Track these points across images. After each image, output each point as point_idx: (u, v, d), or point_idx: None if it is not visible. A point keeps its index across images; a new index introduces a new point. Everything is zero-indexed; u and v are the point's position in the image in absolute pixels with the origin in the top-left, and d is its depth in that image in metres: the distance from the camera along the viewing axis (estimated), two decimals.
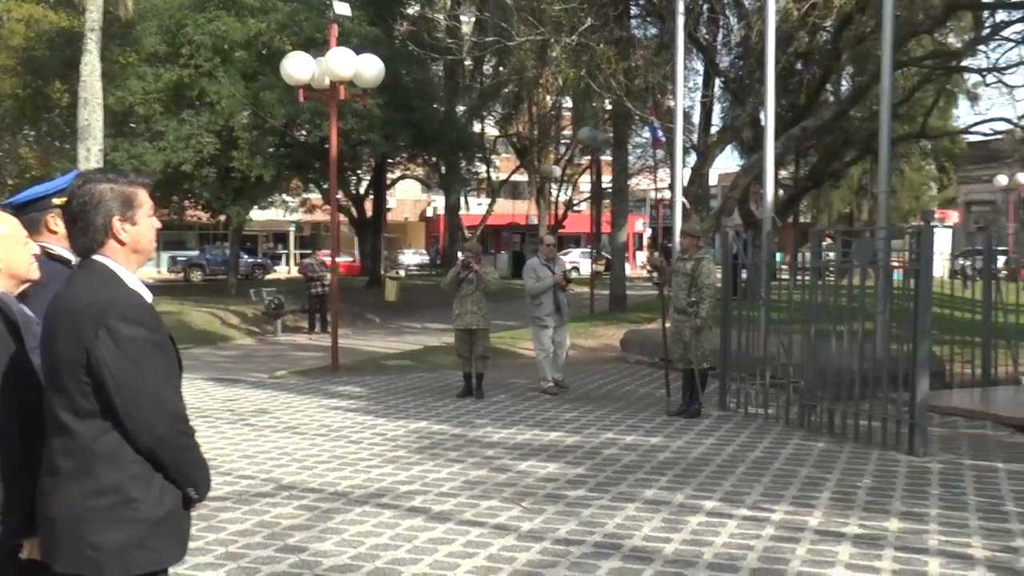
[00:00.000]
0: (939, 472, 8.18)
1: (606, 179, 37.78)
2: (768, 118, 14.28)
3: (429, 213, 64.62)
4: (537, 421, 10.59)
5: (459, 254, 20.72)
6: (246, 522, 6.67)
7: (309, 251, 44.75)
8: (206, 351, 19.09)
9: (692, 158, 25.41)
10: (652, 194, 47.49)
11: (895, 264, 10.23)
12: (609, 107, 28.59)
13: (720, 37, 27.69)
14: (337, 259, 17.12)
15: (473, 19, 36.55)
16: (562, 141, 46.55)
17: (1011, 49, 28.02)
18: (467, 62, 35.20)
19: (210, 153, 25.92)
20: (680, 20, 16.47)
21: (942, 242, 29.19)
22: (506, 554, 5.93)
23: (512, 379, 13.90)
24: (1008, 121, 30.61)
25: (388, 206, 46.57)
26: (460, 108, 37.71)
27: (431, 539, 6.27)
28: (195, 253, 52.32)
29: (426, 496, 7.36)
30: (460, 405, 11.66)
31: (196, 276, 47.64)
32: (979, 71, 27.62)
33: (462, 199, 47.73)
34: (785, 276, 12.28)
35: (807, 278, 10.38)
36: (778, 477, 7.98)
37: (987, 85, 29.19)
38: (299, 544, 6.17)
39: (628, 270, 32.79)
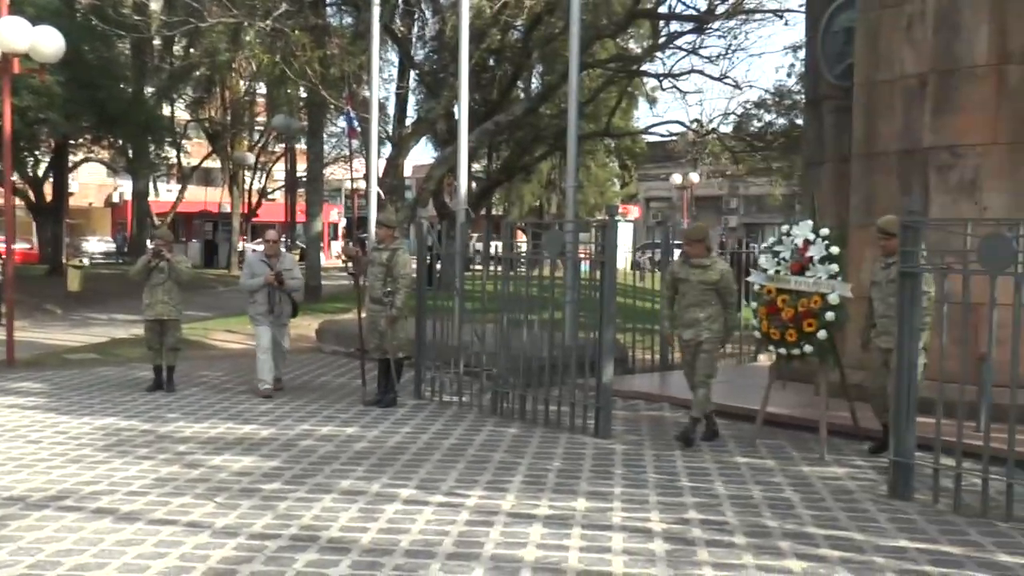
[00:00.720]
0: (623, 453, 8.65)
1: (301, 168, 37.25)
2: (462, 112, 14.55)
3: (115, 199, 61.28)
4: (231, 414, 10.29)
5: (148, 242, 19.77)
6: None
7: None
8: None
9: (387, 149, 25.55)
10: (347, 184, 47.26)
11: (582, 256, 10.70)
12: (304, 95, 28.22)
13: (415, 30, 27.93)
14: (13, 246, 15.89)
15: None
16: (256, 128, 45.42)
17: (684, 58, 30.07)
18: (156, 41, 33.59)
19: None
20: (375, 11, 16.47)
21: (625, 235, 30.86)
22: (200, 552, 5.72)
23: (205, 371, 13.43)
24: (682, 124, 32.94)
25: (70, 190, 43.72)
26: (149, 89, 35.95)
27: (119, 541, 5.94)
28: None
29: (113, 496, 6.97)
30: (150, 399, 11.14)
31: None
32: (657, 76, 29.40)
33: (151, 185, 45.60)
34: (480, 267, 12.57)
35: (500, 268, 10.65)
36: (472, 463, 8.16)
37: (664, 90, 31.43)
38: None
39: (323, 260, 32.51)
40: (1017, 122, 9.36)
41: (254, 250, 16.02)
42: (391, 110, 30.53)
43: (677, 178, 47.30)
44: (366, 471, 7.82)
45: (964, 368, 6.96)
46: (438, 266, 11.66)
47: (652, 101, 38.09)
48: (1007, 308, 7.01)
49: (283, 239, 20.87)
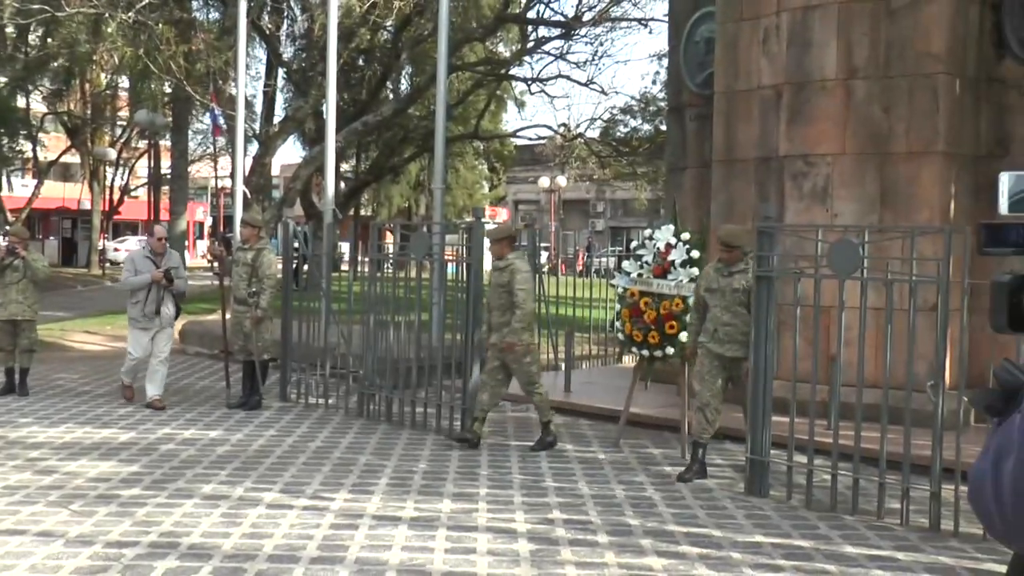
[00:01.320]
0: (488, 454, 8.69)
1: (166, 165, 36.28)
2: (330, 111, 14.41)
3: None
4: (88, 418, 9.96)
5: (1, 239, 18.97)
6: None
7: None
8: None
9: (254, 147, 25.08)
10: (213, 182, 46.29)
11: (449, 257, 10.71)
12: (169, 90, 27.50)
13: (284, 27, 27.53)
14: None
15: None
16: (118, 123, 44.03)
17: (551, 63, 30.34)
18: (9, 29, 32.26)
19: None
20: (243, 6, 16.18)
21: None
22: (51, 563, 5.51)
23: (61, 374, 12.97)
24: (550, 128, 33.27)
25: None
26: (2, 79, 34.51)
27: None
28: None
29: None
30: (1, 404, 10.70)
31: None
32: (525, 80, 29.68)
33: (4, 179, 43.76)
34: (347, 267, 12.47)
35: (367, 269, 10.59)
36: (338, 466, 8.09)
37: (532, 93, 31.59)
38: None
39: (188, 259, 31.74)
40: (863, 134, 9.76)
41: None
42: (258, 108, 30.00)
43: (545, 181, 47.79)
44: (229, 475, 7.67)
45: (815, 368, 7.23)
46: (305, 267, 11.53)
47: (521, 105, 38.41)
48: (854, 311, 7.32)
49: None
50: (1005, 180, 2.29)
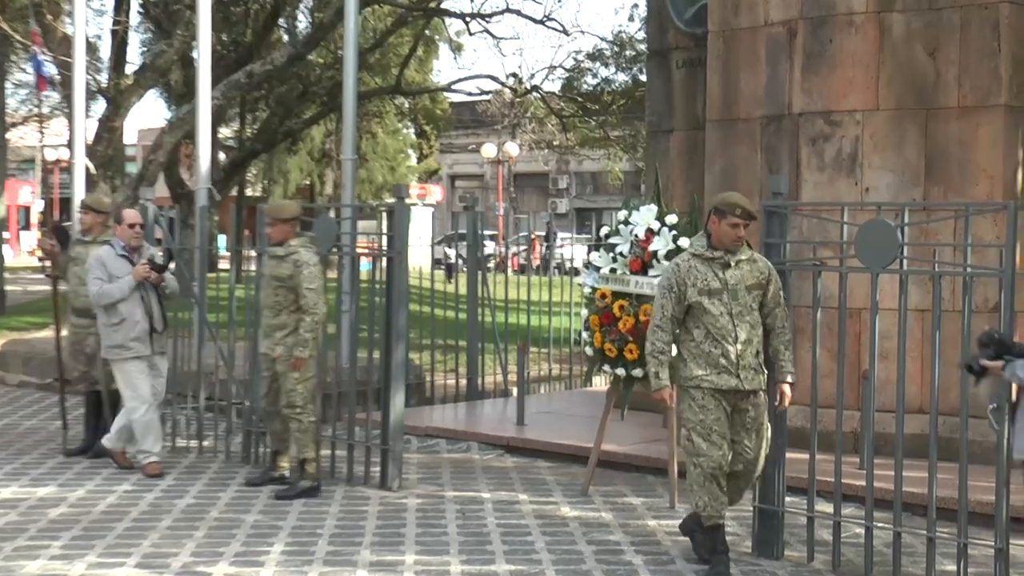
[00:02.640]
0: (417, 508, 8.70)
1: None
2: (203, 58, 14.31)
3: None
4: None
5: None
6: None
7: None
8: None
9: (101, 106, 24.87)
10: (44, 153, 45.80)
11: (363, 250, 10.69)
12: None
13: None
14: None
15: None
16: None
17: None
18: None
19: None
20: None
21: (422, 223, 30.92)
22: None
23: None
24: (496, 80, 33.16)
25: None
26: None
27: None
28: None
29: None
30: None
31: None
32: (462, 16, 29.55)
33: None
34: (227, 266, 12.40)
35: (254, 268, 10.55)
36: (216, 529, 8.04)
37: (472, 34, 31.40)
38: None
39: (10, 256, 31.39)
40: (901, 83, 9.88)
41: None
42: (105, 53, 29.68)
43: (491, 150, 47.89)
44: (66, 546, 7.60)
45: (840, 389, 7.28)
46: (171, 265, 11.42)
47: (457, 49, 38.30)
48: (891, 313, 7.39)
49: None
50: None
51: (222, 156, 31.95)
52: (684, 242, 8.68)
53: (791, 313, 7.39)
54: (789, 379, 7.18)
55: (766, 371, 7.18)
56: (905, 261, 7.05)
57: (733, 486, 7.29)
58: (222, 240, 17.00)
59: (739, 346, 7.03)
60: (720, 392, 7.03)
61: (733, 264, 7.12)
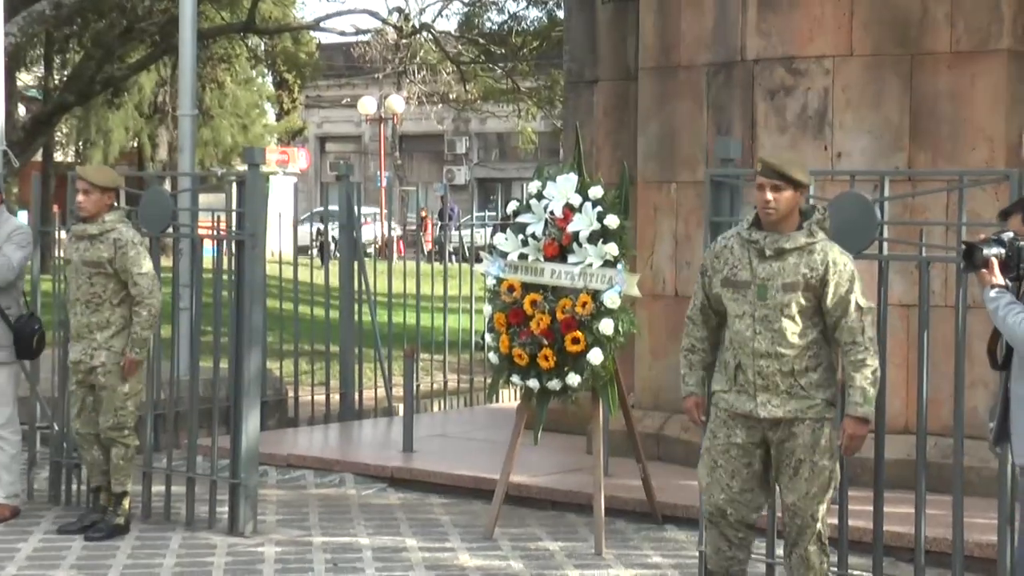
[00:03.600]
0: (276, 559, 8.61)
1: None
2: None
3: None
4: None
5: None
6: None
7: None
8: None
9: None
10: None
11: (206, 231, 10.53)
12: None
13: None
14: None
15: None
16: None
17: None
18: None
19: None
20: None
21: (282, 197, 30.66)
22: None
23: None
24: (376, 16, 32.96)
25: None
26: None
27: None
28: None
29: None
30: None
31: None
32: None
33: None
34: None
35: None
36: None
37: None
38: None
39: None
40: (881, 23, 9.92)
41: None
42: None
43: (370, 105, 47.68)
44: None
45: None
46: None
47: None
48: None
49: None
50: None
51: (22, 110, 31.45)
52: (613, 221, 8.65)
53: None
54: (857, 412, 6.50)
55: (820, 395, 6.60)
56: (885, 244, 7.08)
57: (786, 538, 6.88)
58: (22, 217, 16.60)
59: (759, 360, 6.59)
60: (739, 416, 6.69)
61: (772, 252, 6.59)
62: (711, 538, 6.82)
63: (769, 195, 6.48)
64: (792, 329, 6.54)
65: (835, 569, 7.12)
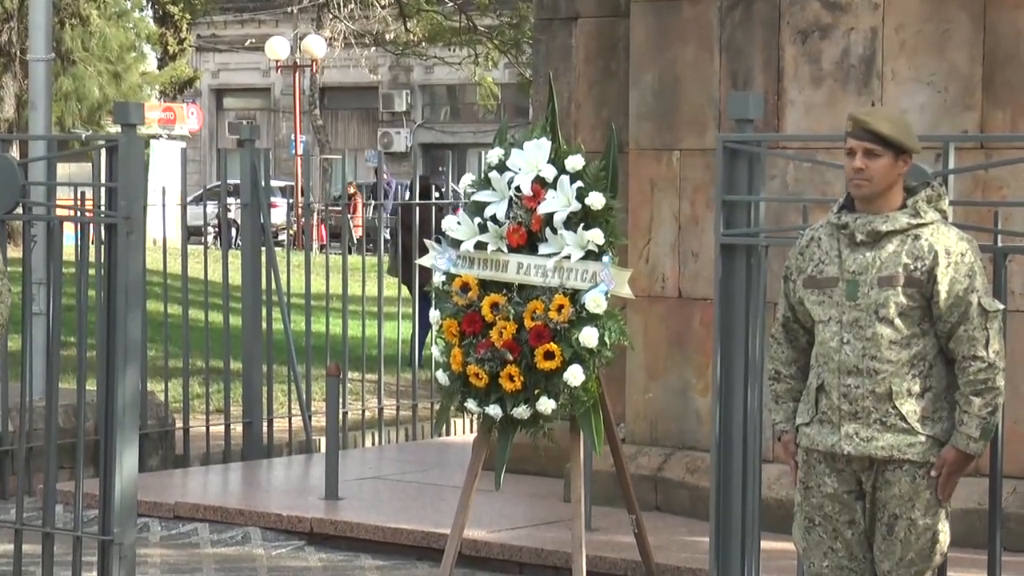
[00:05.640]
0: None
1: None
2: None
3: None
4: None
5: None
6: None
7: None
8: None
9: None
10: None
11: (66, 213, 10.51)
12: None
13: None
14: None
15: None
16: None
17: None
18: None
19: None
20: None
21: (168, 168, 30.58)
22: None
23: None
24: None
25: None
26: None
27: None
28: None
29: None
30: None
31: None
32: None
33: None
34: None
35: None
36: None
37: None
38: None
39: None
40: None
41: None
42: None
43: (281, 48, 47.70)
44: None
45: None
46: None
47: None
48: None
49: None
50: None
51: None
52: (597, 200, 8.64)
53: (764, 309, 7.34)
54: (969, 447, 6.22)
55: (926, 429, 6.33)
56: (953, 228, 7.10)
57: None
58: None
59: (847, 378, 6.35)
60: (822, 456, 6.47)
61: (864, 236, 6.36)
62: None
63: (860, 162, 6.26)
64: (890, 337, 6.32)
65: None
